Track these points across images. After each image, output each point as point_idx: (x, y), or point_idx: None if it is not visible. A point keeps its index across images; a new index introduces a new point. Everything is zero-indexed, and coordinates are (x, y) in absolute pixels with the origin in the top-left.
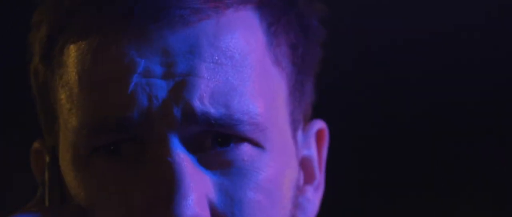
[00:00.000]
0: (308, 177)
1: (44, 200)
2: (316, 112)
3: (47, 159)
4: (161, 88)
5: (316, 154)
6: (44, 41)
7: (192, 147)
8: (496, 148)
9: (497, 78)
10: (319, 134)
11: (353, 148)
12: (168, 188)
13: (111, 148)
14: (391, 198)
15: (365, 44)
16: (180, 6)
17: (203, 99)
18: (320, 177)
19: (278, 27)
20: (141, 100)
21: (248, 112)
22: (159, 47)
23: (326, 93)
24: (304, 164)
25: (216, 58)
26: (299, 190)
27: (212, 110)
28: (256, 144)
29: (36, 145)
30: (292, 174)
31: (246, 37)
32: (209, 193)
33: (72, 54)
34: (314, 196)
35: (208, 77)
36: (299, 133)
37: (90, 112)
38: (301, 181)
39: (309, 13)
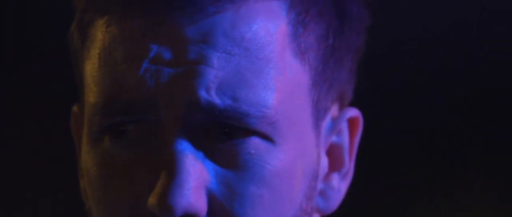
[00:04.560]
0: (336, 164)
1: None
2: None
3: None
4: (168, 76)
5: (348, 141)
6: (81, 7)
7: (198, 137)
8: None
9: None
10: (352, 122)
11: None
12: (166, 176)
13: (119, 129)
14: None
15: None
16: None
17: (210, 89)
18: (349, 165)
19: (307, 16)
20: (148, 85)
21: (256, 105)
22: (173, 34)
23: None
24: (332, 151)
25: (229, 48)
26: (325, 178)
27: (217, 101)
28: (265, 137)
29: (75, 108)
30: (308, 165)
31: (265, 28)
32: (209, 184)
33: (98, 27)
34: (340, 184)
35: (218, 67)
36: (327, 120)
37: (102, 91)
38: (326, 169)
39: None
